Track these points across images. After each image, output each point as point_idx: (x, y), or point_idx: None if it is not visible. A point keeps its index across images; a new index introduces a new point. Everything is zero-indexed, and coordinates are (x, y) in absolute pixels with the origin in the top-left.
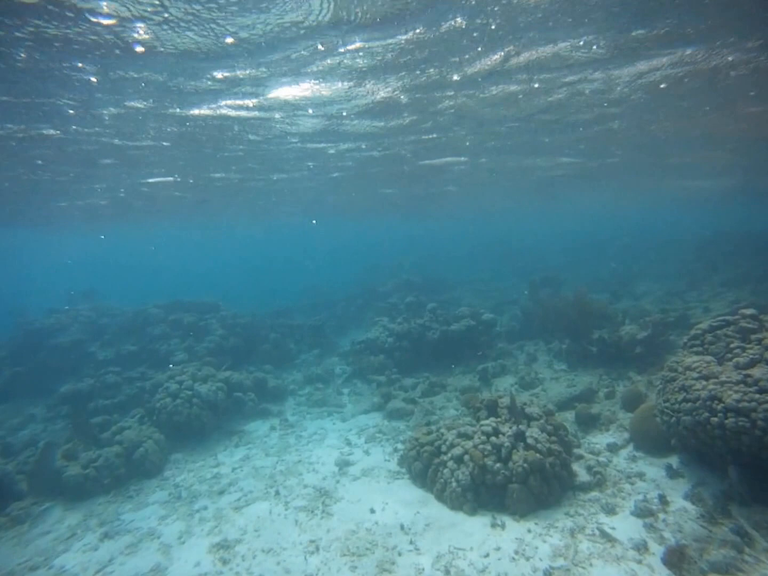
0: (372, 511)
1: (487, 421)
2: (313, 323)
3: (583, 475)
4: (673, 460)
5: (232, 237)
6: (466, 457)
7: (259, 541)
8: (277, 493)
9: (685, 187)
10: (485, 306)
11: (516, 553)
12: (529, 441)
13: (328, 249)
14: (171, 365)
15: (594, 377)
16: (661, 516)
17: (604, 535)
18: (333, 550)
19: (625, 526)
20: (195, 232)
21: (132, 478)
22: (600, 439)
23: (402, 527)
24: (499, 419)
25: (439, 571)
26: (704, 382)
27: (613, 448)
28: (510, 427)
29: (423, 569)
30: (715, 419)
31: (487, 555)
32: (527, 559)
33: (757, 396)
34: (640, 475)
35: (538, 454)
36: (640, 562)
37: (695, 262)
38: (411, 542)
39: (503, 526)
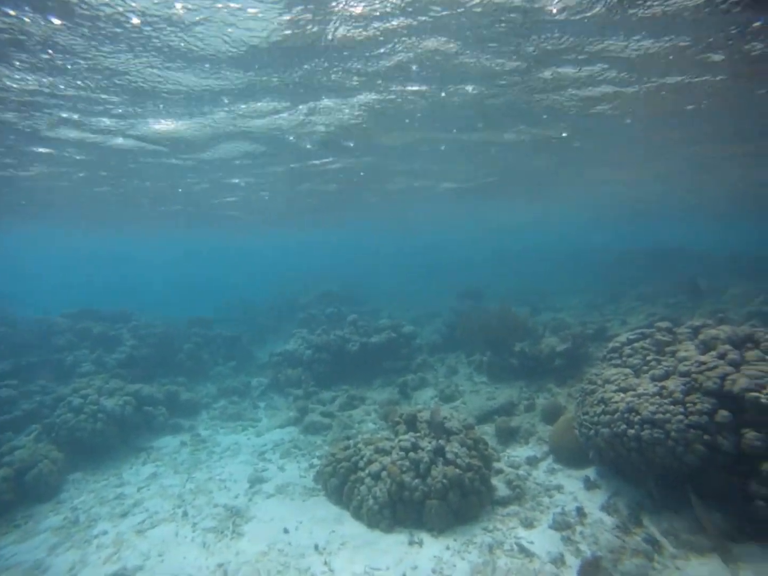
0: (285, 530)
1: (405, 436)
2: (230, 334)
3: (502, 490)
4: (591, 472)
5: (150, 246)
6: (384, 473)
7: (163, 567)
8: (185, 513)
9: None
10: (407, 318)
11: (434, 571)
12: (449, 456)
13: (249, 260)
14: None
15: (514, 390)
16: (578, 528)
17: (522, 550)
18: (242, 574)
19: (542, 540)
20: (113, 240)
21: (22, 503)
22: (520, 452)
23: (316, 547)
24: (418, 434)
25: None
26: (622, 395)
27: (532, 461)
28: (429, 442)
29: None
30: (632, 431)
31: (403, 575)
32: None
33: (671, 408)
34: (559, 488)
35: (457, 470)
36: None
37: (614, 275)
38: (325, 563)
39: (421, 544)
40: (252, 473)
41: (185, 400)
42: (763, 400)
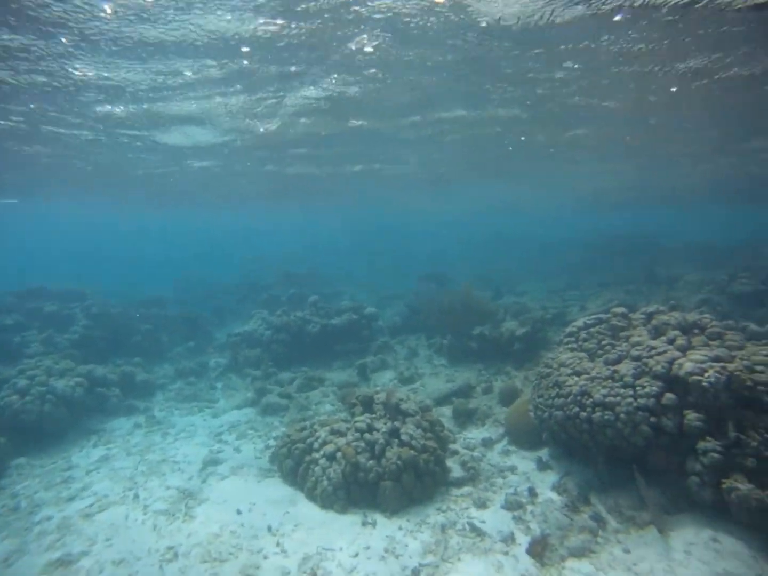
0: (239, 512)
1: (361, 418)
2: (189, 315)
3: (457, 471)
4: (544, 454)
5: (109, 224)
6: (339, 454)
7: (110, 552)
8: (136, 496)
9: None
10: (370, 300)
11: (386, 551)
12: (404, 438)
13: (211, 240)
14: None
15: (473, 373)
16: (530, 508)
17: (474, 529)
18: (193, 557)
19: (494, 520)
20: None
21: None
22: (476, 434)
23: (269, 529)
24: (374, 415)
25: (305, 573)
26: (576, 378)
27: (488, 443)
28: (385, 424)
29: (289, 572)
30: (584, 413)
31: (356, 555)
32: (397, 557)
33: (621, 391)
34: (512, 469)
35: (412, 451)
36: (506, 553)
37: (577, 262)
38: (278, 544)
39: (374, 525)
40: (207, 455)
41: (141, 381)
42: (705, 383)
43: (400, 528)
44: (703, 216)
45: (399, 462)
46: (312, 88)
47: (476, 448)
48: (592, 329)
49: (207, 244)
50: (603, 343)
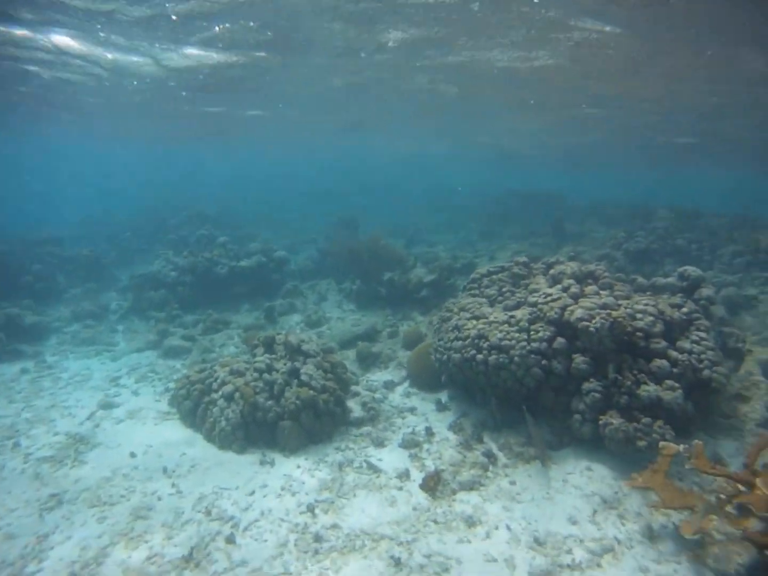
0: (133, 455)
1: (261, 358)
2: (89, 254)
3: (358, 411)
4: (443, 396)
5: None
6: (237, 394)
7: None
8: (17, 444)
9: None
10: (283, 244)
11: (283, 489)
12: (303, 378)
13: (118, 175)
14: None
15: (380, 318)
16: (426, 446)
17: (370, 466)
18: (80, 502)
19: (391, 457)
20: None
21: None
22: (379, 377)
23: (165, 470)
24: (274, 356)
25: (200, 512)
26: (475, 322)
27: (389, 386)
28: (285, 364)
29: (183, 512)
30: (480, 356)
31: (252, 493)
32: (293, 494)
33: (516, 335)
34: (412, 410)
35: (311, 391)
36: (401, 489)
37: (492, 216)
38: (173, 485)
39: (273, 464)
40: (102, 399)
41: (30, 324)
42: (591, 329)
43: (298, 466)
44: (617, 178)
45: (298, 402)
46: None
47: (378, 390)
48: (494, 276)
49: (116, 182)
50: (504, 290)
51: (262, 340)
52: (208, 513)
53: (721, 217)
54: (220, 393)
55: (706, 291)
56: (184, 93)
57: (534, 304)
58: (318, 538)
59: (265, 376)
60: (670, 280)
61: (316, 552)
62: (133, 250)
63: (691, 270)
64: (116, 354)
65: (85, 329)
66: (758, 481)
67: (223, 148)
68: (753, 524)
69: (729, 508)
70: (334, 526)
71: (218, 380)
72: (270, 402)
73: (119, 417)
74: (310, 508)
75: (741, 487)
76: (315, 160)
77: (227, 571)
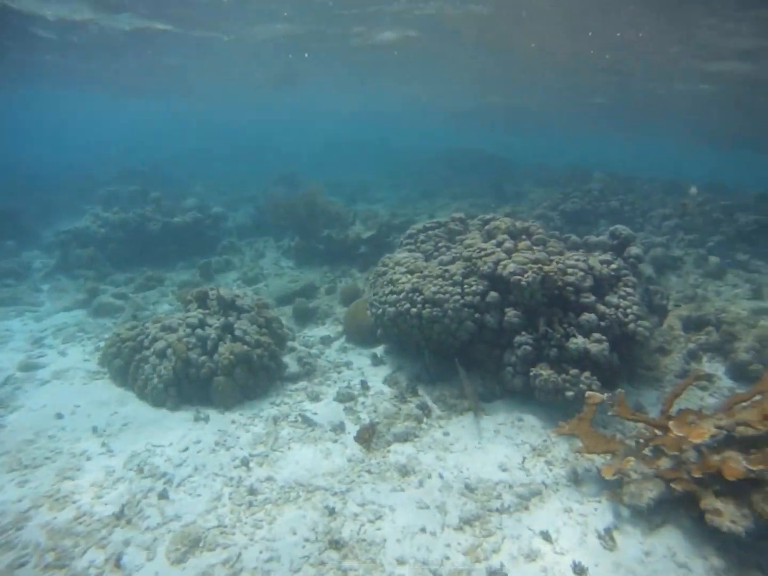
0: (59, 416)
1: (194, 313)
2: (5, 209)
3: (293, 367)
4: (379, 350)
5: None
6: (169, 350)
7: None
8: None
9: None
10: (221, 201)
11: (216, 444)
12: (237, 333)
13: (40, 124)
14: None
15: (318, 274)
16: (361, 399)
17: (305, 420)
18: None
19: (326, 411)
20: None
21: None
22: (315, 332)
23: (95, 430)
24: (207, 311)
25: (132, 470)
26: (410, 276)
27: (326, 341)
28: (218, 320)
29: (114, 471)
30: (414, 310)
31: (186, 449)
32: (228, 449)
33: (450, 288)
34: (348, 365)
35: (245, 346)
36: (335, 441)
37: (433, 175)
38: (103, 444)
39: (207, 420)
40: (24, 360)
41: None
42: (523, 283)
43: (233, 422)
44: (562, 143)
45: (231, 357)
46: None
47: (314, 345)
48: (430, 232)
49: (39, 132)
50: (439, 245)
51: (195, 295)
52: (141, 470)
53: (654, 182)
54: (152, 350)
55: (635, 249)
56: None
57: (468, 258)
58: (252, 491)
59: (198, 331)
60: (602, 238)
61: (251, 504)
62: (57, 206)
63: (622, 229)
64: (41, 314)
65: (5, 289)
66: (671, 424)
67: (164, 104)
68: (664, 463)
69: (646, 451)
70: (269, 479)
71: (150, 337)
72: (203, 358)
73: (44, 378)
74: (245, 462)
75: (657, 432)
76: (257, 118)
77: (160, 526)
